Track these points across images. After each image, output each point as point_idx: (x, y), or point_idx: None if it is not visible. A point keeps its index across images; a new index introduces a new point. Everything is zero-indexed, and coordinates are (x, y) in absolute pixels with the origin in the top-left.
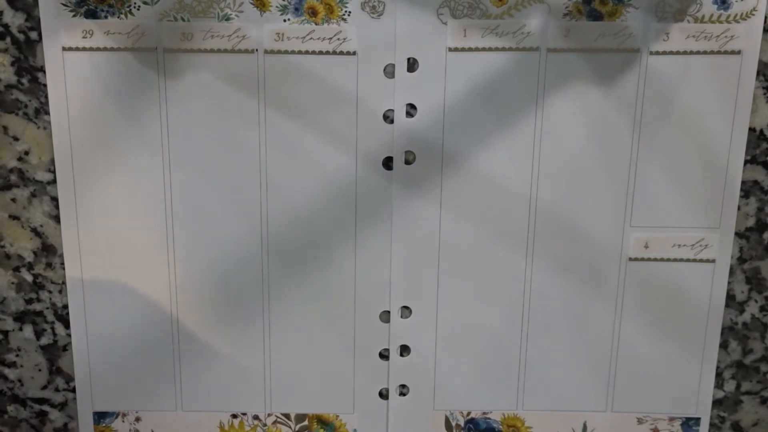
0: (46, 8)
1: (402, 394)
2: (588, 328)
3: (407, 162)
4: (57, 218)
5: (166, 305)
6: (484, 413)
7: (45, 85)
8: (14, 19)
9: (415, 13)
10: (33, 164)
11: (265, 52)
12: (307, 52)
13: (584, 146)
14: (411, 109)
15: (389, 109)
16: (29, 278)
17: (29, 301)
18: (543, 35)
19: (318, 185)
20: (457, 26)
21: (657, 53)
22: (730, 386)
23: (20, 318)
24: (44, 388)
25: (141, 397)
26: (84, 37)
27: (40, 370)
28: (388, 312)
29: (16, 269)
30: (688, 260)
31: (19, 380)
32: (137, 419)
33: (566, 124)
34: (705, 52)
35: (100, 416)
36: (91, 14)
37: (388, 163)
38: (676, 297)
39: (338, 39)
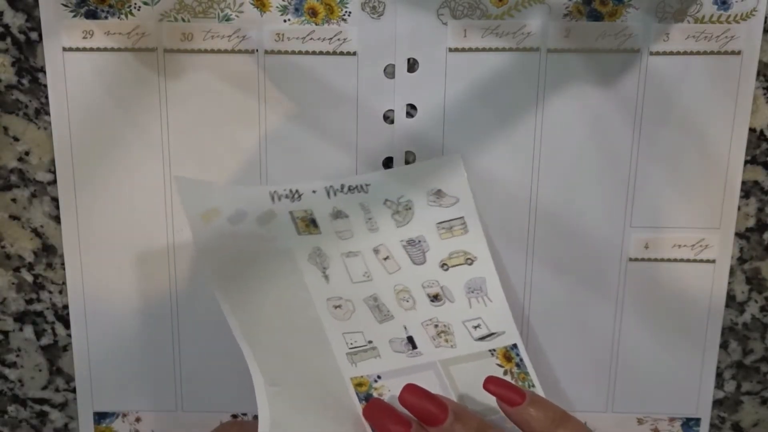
0: (46, 9)
1: None
2: (588, 329)
3: (407, 162)
4: (57, 218)
5: (166, 305)
6: None
7: (45, 86)
8: (14, 20)
9: (416, 14)
10: (33, 164)
11: (266, 52)
12: (307, 53)
13: (584, 146)
14: (411, 110)
15: (389, 110)
16: (29, 278)
17: (29, 302)
18: (543, 35)
19: None
20: (457, 26)
21: (657, 53)
22: (730, 387)
23: (20, 318)
24: (44, 388)
25: (141, 397)
26: (84, 38)
27: (40, 371)
28: None
29: (17, 269)
30: (688, 260)
31: (20, 380)
32: (137, 419)
33: (566, 124)
34: (705, 53)
35: (100, 416)
36: (92, 15)
37: (388, 163)
38: (676, 297)
39: (338, 39)
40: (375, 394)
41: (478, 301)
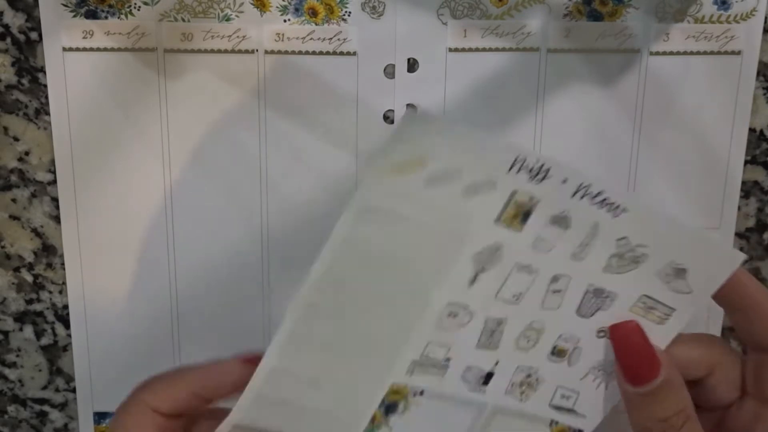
0: (46, 8)
1: None
2: None
3: None
4: (57, 218)
5: (166, 305)
6: None
7: (45, 86)
8: (14, 20)
9: (416, 14)
10: (33, 165)
11: (266, 52)
12: (307, 53)
13: (584, 146)
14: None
15: (389, 110)
16: (29, 278)
17: (29, 302)
18: (543, 35)
19: (318, 185)
20: (457, 26)
21: (657, 53)
22: None
23: (20, 318)
24: (44, 388)
25: None
26: (84, 38)
27: (40, 371)
28: None
29: (17, 269)
30: None
31: (20, 380)
32: None
33: (566, 124)
34: (705, 53)
35: (100, 416)
36: (92, 15)
37: None
38: None
39: (338, 39)
40: (401, 406)
41: (595, 380)
